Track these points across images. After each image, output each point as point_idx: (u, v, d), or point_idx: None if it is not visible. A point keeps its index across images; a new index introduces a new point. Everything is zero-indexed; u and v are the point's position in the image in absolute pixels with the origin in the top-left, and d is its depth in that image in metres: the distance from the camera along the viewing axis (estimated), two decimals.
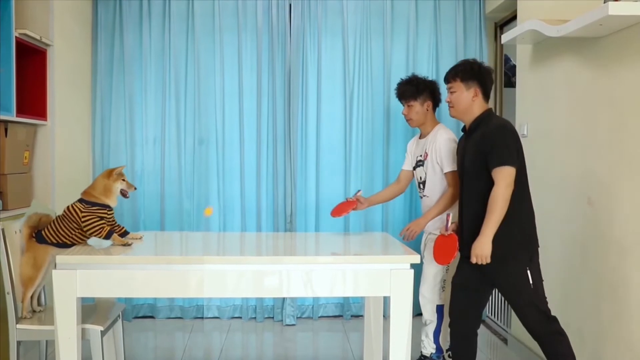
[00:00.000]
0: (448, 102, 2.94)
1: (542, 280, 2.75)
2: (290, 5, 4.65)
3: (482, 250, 2.63)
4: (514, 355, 3.92)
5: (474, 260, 2.66)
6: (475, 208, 2.76)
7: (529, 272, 2.68)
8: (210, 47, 4.64)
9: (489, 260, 2.64)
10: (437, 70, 4.66)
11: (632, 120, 2.70)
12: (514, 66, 4.23)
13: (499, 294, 4.16)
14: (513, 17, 4.32)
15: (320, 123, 4.67)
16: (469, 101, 2.84)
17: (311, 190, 4.69)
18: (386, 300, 3.26)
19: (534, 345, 3.61)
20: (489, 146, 2.68)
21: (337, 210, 3.63)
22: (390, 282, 2.64)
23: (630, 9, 2.49)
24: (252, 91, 4.66)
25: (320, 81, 4.66)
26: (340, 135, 4.70)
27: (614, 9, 2.49)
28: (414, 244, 4.24)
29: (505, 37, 3.66)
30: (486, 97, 2.87)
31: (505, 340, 4.15)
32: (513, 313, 3.96)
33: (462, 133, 2.99)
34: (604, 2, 2.58)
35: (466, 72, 2.86)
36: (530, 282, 2.68)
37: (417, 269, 2.78)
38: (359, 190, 3.75)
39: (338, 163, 4.71)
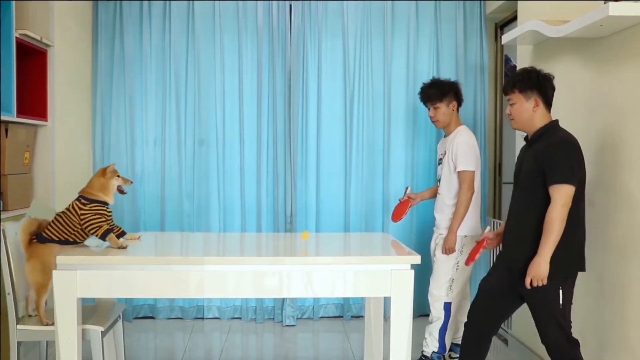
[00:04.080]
0: (508, 114, 2.79)
1: (572, 304, 2.68)
2: (290, 6, 4.65)
3: (539, 271, 2.54)
4: (514, 356, 3.92)
5: (528, 281, 2.57)
6: (525, 221, 2.68)
7: (561, 291, 2.61)
8: (211, 48, 4.64)
9: (545, 282, 2.55)
10: (438, 71, 4.66)
11: (633, 121, 2.70)
12: (515, 67, 4.23)
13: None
14: (513, 18, 4.32)
15: (320, 124, 4.67)
16: (529, 113, 2.69)
17: (311, 191, 4.69)
18: (386, 301, 3.27)
19: (534, 346, 3.61)
20: (549, 160, 2.55)
21: (397, 214, 3.78)
22: (391, 282, 2.63)
23: (631, 10, 2.49)
24: (253, 92, 4.66)
25: (320, 82, 4.66)
26: (340, 136, 4.70)
27: (614, 9, 2.49)
28: (422, 243, 4.27)
29: (505, 38, 3.66)
30: (548, 106, 2.72)
31: (505, 341, 4.15)
32: (514, 314, 3.96)
33: (525, 142, 2.85)
34: (605, 3, 2.58)
35: (524, 82, 2.70)
36: (561, 302, 2.62)
37: (420, 268, 2.78)
38: (407, 187, 3.82)
39: (338, 164, 4.71)
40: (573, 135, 2.66)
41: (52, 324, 2.78)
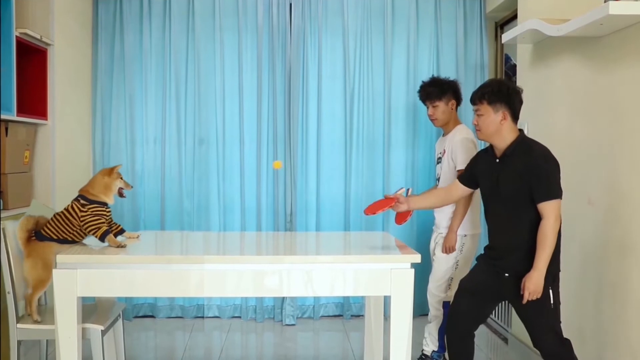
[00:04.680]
0: (475, 124, 2.79)
1: (560, 303, 2.69)
2: (290, 4, 4.64)
3: (537, 286, 2.57)
4: (514, 355, 3.92)
5: (526, 295, 2.58)
6: (516, 235, 2.69)
7: (551, 291, 2.63)
8: (211, 46, 4.64)
9: (539, 296, 2.58)
10: (438, 70, 4.66)
11: (632, 120, 2.70)
12: (514, 65, 4.23)
13: None
14: (513, 17, 4.32)
15: (320, 123, 4.67)
16: (496, 125, 2.69)
17: (311, 190, 4.69)
18: (387, 300, 3.27)
19: None
20: (535, 178, 2.58)
21: (401, 217, 3.41)
22: (391, 281, 2.64)
23: (631, 8, 2.49)
24: (253, 91, 4.66)
25: (320, 81, 4.65)
26: (340, 135, 4.70)
27: (614, 8, 2.49)
28: (423, 243, 4.27)
29: (505, 37, 3.66)
30: (515, 119, 2.72)
31: (505, 340, 4.15)
32: (514, 313, 3.97)
33: (488, 151, 2.86)
34: (605, 2, 2.58)
35: (493, 93, 2.69)
36: (551, 302, 2.63)
37: (420, 268, 2.78)
38: (409, 189, 3.41)
39: (338, 163, 4.70)
40: (545, 146, 2.69)
41: (41, 321, 2.79)
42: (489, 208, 2.87)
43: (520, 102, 2.75)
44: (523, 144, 2.71)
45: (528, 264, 2.61)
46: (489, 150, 2.85)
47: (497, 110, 2.70)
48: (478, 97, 2.75)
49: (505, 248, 2.76)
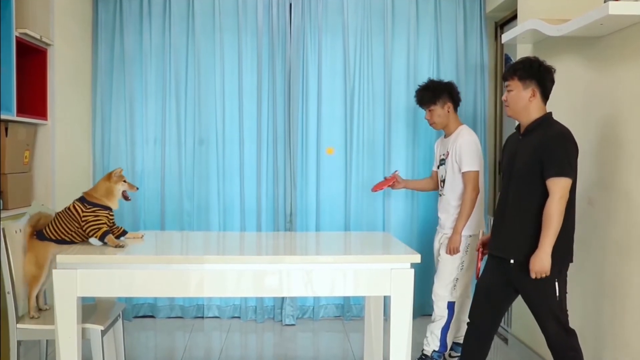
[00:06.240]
0: (504, 100, 2.80)
1: (567, 293, 2.70)
2: (290, 4, 4.64)
3: (542, 266, 2.56)
4: (514, 355, 3.92)
5: (533, 275, 2.59)
6: (522, 213, 2.68)
7: (556, 283, 2.63)
8: (211, 46, 4.64)
9: (548, 274, 2.57)
10: (438, 70, 4.66)
11: (632, 120, 2.70)
12: None
13: None
14: (513, 17, 4.32)
15: (320, 122, 4.67)
16: (525, 101, 2.70)
17: (311, 190, 4.68)
18: (386, 302, 3.27)
19: (534, 345, 3.62)
20: (547, 154, 2.58)
21: (377, 186, 3.99)
22: (391, 281, 2.64)
23: (631, 9, 2.49)
24: (252, 91, 4.66)
25: (320, 80, 4.65)
26: (340, 134, 4.69)
27: (614, 8, 2.49)
28: (423, 243, 4.28)
29: (505, 37, 3.66)
30: (545, 98, 2.73)
31: (505, 340, 4.15)
32: (514, 313, 3.97)
33: (515, 131, 2.87)
34: (605, 2, 2.58)
35: (524, 70, 2.71)
36: (557, 294, 2.63)
37: (420, 269, 2.77)
38: (396, 170, 4.07)
39: (338, 163, 4.70)
40: (568, 128, 2.68)
41: (38, 317, 2.82)
42: (504, 186, 2.86)
43: (552, 81, 2.75)
44: (546, 121, 2.70)
45: (531, 249, 2.59)
46: (516, 129, 2.86)
47: (526, 86, 2.71)
48: (509, 73, 2.77)
49: (513, 226, 2.73)
